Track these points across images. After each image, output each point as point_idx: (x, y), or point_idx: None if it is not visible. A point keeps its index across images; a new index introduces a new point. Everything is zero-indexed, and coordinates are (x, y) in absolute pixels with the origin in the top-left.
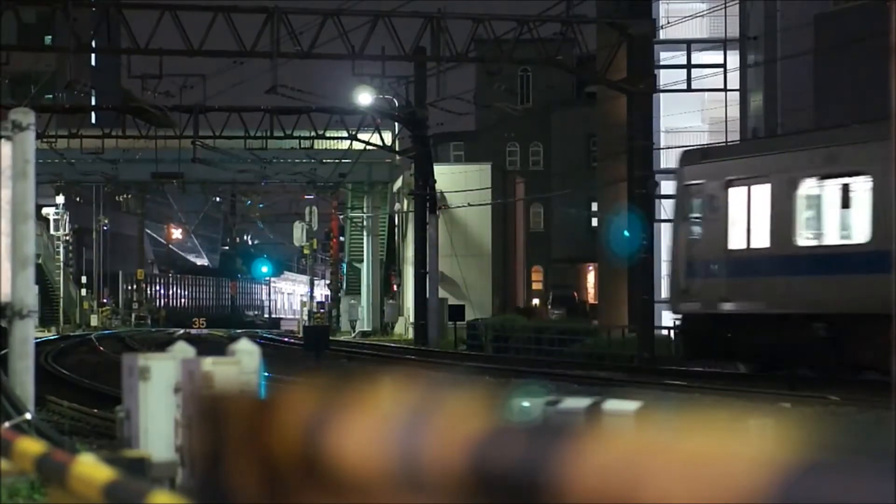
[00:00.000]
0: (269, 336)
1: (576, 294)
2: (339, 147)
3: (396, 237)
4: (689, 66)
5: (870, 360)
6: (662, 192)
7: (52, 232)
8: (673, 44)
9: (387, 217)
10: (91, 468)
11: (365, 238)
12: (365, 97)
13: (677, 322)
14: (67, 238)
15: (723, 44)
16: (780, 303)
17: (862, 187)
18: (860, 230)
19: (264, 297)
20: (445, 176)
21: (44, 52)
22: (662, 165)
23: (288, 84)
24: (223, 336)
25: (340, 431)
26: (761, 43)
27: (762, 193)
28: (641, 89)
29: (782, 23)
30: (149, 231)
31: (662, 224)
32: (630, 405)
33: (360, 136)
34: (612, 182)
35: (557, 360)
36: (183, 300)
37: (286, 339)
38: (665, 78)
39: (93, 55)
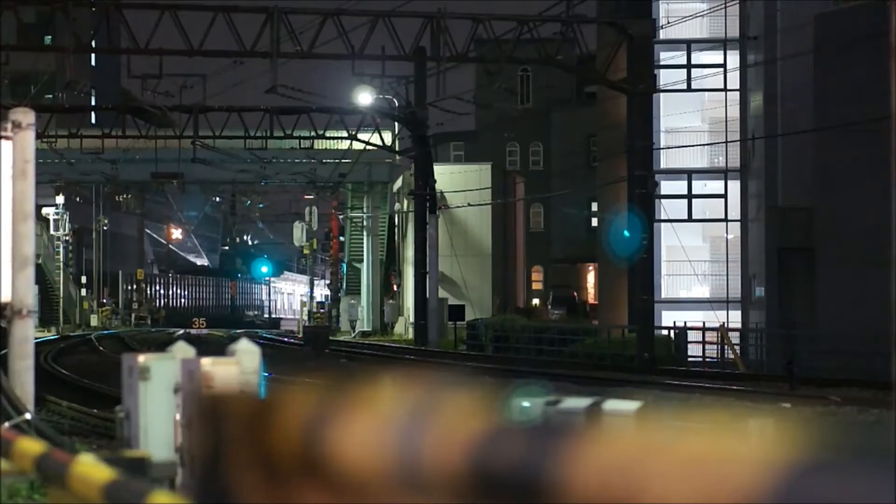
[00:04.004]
0: (269, 336)
1: (576, 294)
2: (339, 147)
3: (396, 237)
4: (689, 66)
5: None
6: (662, 192)
7: (52, 232)
8: (673, 44)
9: (387, 217)
10: (91, 468)
11: (365, 238)
12: (365, 97)
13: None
14: (67, 238)
15: (723, 44)
16: None
17: None
18: None
19: (264, 297)
20: (445, 176)
21: (44, 52)
22: (662, 165)
23: (288, 84)
24: (223, 336)
25: (340, 431)
26: (761, 43)
27: None
28: (641, 89)
29: (782, 23)
30: (149, 231)
31: (662, 224)
32: (630, 405)
33: (360, 136)
34: (612, 182)
35: (557, 360)
36: (183, 300)
37: (286, 339)
38: (665, 78)
39: (93, 55)
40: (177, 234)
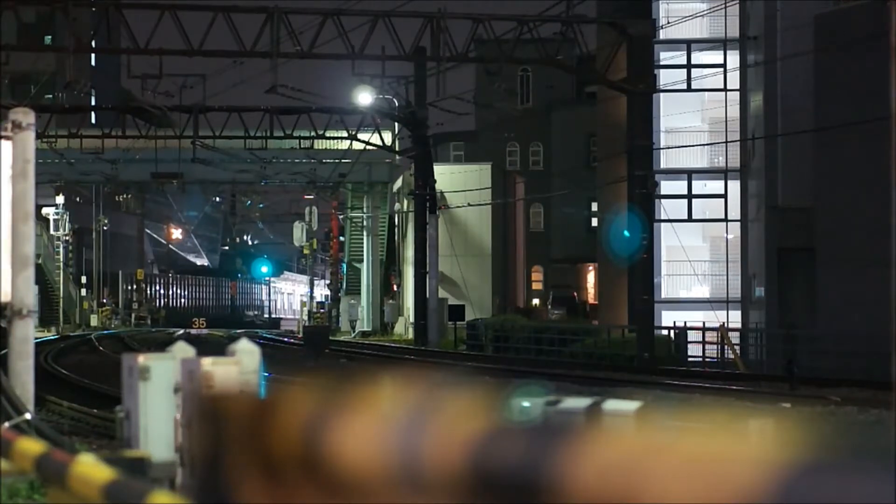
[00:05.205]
0: (269, 336)
1: (576, 294)
2: (339, 147)
3: (396, 237)
4: (689, 66)
5: None
6: (662, 192)
7: (52, 232)
8: (673, 44)
9: (387, 217)
10: (91, 468)
11: (365, 238)
12: (365, 97)
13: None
14: (67, 238)
15: (723, 44)
16: None
17: None
18: None
19: (264, 297)
20: (445, 176)
21: (44, 52)
22: (662, 165)
23: (288, 84)
24: (223, 336)
25: (340, 431)
26: (761, 43)
27: None
28: (641, 89)
29: (782, 23)
30: (149, 231)
31: (662, 224)
32: (630, 405)
33: (360, 136)
34: (612, 182)
35: (557, 360)
36: (183, 300)
37: (286, 339)
38: (665, 78)
39: (93, 55)
40: (177, 234)
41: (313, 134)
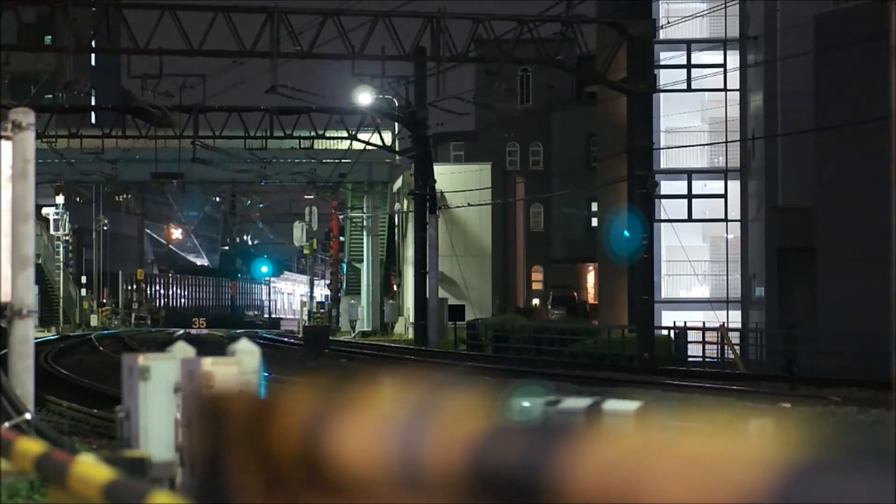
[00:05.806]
0: (269, 336)
1: (576, 294)
2: (339, 147)
3: (396, 237)
4: (689, 66)
5: None
6: (662, 192)
7: (52, 232)
8: (673, 44)
9: (387, 217)
10: (91, 468)
11: (365, 238)
12: (365, 97)
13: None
14: (67, 238)
15: (723, 44)
16: None
17: None
18: None
19: (264, 297)
20: (445, 176)
21: (44, 52)
22: (662, 165)
23: (288, 84)
24: (223, 336)
25: (340, 431)
26: (761, 43)
27: None
28: (641, 89)
29: (782, 23)
30: (149, 231)
31: (662, 224)
32: (630, 405)
33: (360, 136)
34: (612, 182)
35: (557, 360)
36: (183, 300)
37: (286, 339)
38: (665, 78)
39: (93, 55)
40: (177, 234)
41: (313, 134)
